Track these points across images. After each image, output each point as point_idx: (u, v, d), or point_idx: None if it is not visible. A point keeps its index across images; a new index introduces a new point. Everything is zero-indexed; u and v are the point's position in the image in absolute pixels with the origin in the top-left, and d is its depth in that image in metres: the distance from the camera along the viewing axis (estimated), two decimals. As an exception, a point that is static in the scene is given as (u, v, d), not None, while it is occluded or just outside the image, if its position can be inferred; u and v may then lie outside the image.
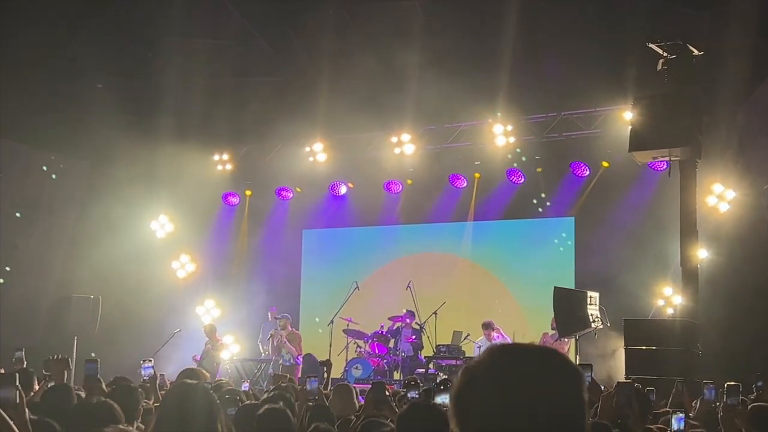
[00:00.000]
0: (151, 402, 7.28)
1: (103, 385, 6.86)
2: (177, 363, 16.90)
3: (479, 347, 16.28)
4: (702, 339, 13.63)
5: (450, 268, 19.12)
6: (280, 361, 16.94)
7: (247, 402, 6.47)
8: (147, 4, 16.07)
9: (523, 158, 18.11)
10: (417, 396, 6.56)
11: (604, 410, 5.50)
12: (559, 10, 15.58)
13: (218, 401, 5.06)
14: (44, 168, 19.56)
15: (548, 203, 18.21)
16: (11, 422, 4.00)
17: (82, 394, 6.55)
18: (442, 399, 5.41)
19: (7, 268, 18.37)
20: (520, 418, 2.02)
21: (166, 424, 4.53)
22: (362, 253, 20.11)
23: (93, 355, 7.58)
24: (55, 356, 6.95)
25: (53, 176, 19.77)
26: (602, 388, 6.96)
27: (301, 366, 16.96)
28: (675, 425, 5.65)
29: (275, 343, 17.27)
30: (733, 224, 15.42)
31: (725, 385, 5.86)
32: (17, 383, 4.19)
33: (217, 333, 17.56)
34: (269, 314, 18.39)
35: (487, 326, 16.26)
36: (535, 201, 18.31)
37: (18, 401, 4.15)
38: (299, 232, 20.97)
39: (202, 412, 4.81)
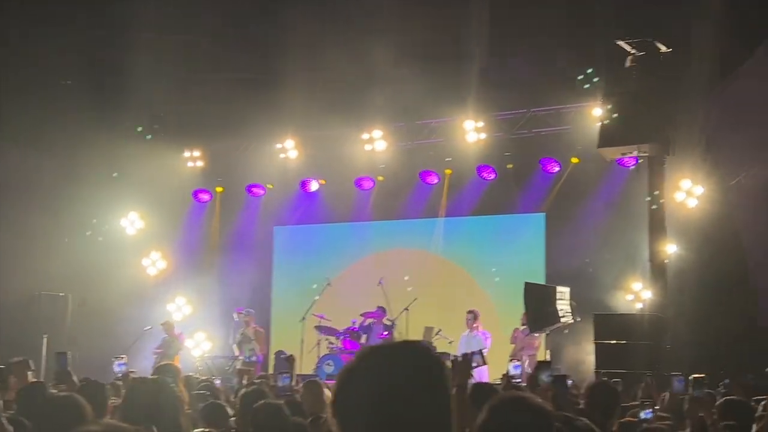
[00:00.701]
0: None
1: (75, 378, 6.86)
2: (148, 360, 16.89)
3: (450, 342, 16.38)
4: (670, 333, 13.79)
5: (421, 264, 19.16)
6: (241, 358, 16.92)
7: (213, 401, 6.47)
8: (117, 0, 16.01)
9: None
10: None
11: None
12: (528, 7, 15.68)
13: (181, 397, 5.09)
14: (12, 165, 19.39)
15: (519, 199, 18.29)
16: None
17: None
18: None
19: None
20: (389, 414, 2.12)
21: (128, 420, 4.54)
22: (334, 250, 20.11)
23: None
24: (15, 359, 6.89)
25: (21, 173, 19.62)
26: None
27: (261, 363, 16.97)
28: (642, 417, 5.76)
29: (237, 340, 17.23)
30: (701, 220, 15.57)
31: (691, 378, 5.95)
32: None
33: (175, 329, 17.50)
34: (234, 315, 18.27)
35: (474, 314, 16.31)
36: (506, 197, 18.39)
37: None
38: (271, 229, 20.92)
39: (165, 408, 4.83)
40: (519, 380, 6.49)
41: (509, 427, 3.31)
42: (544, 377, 5.64)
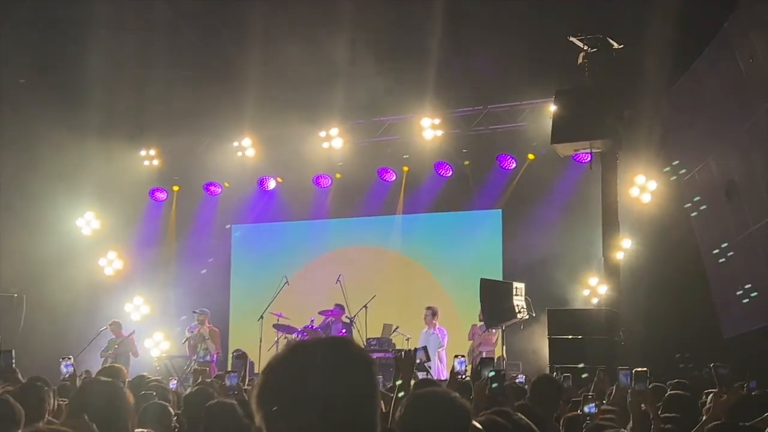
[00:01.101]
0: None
1: (20, 375, 6.78)
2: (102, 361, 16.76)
3: (407, 339, 16.40)
4: (624, 327, 13.89)
5: (380, 262, 19.18)
6: (194, 357, 16.82)
7: (154, 401, 6.41)
8: (70, -1, 15.85)
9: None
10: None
11: (478, 398, 5.59)
12: (484, 4, 15.71)
13: (131, 399, 5.03)
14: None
15: (476, 196, 18.36)
16: None
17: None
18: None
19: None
20: (312, 407, 2.13)
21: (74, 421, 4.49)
22: (292, 248, 20.05)
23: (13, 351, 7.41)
24: None
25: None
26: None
27: (215, 363, 16.87)
28: (586, 411, 5.81)
29: (192, 341, 17.12)
30: (655, 215, 15.72)
31: (633, 371, 5.99)
32: None
33: (123, 330, 17.34)
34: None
35: (433, 311, 16.33)
36: (463, 194, 18.45)
37: None
38: (228, 227, 20.85)
39: (109, 410, 4.78)
40: (463, 376, 6.50)
41: (423, 421, 3.33)
42: (485, 373, 5.66)
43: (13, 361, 6.84)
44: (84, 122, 17.54)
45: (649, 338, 14.35)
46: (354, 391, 2.19)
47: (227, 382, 7.38)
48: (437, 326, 16.31)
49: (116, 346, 16.79)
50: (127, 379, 8.46)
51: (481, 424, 3.76)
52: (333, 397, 2.15)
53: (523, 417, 4.43)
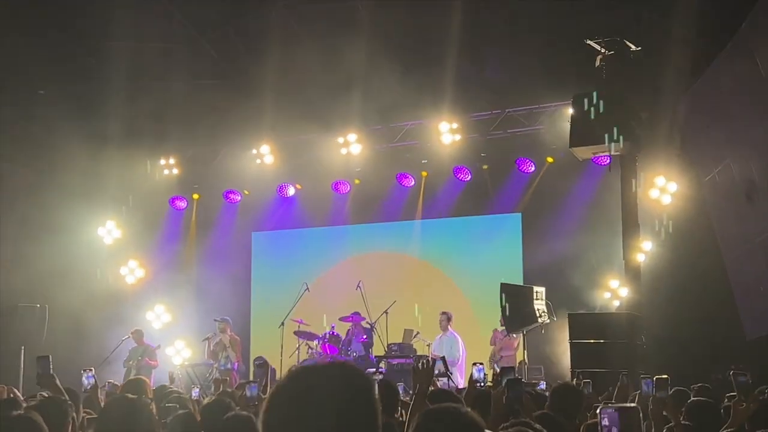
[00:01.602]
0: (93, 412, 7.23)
1: (58, 381, 6.82)
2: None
3: (428, 345, 16.39)
4: (646, 331, 13.82)
5: (399, 267, 19.19)
6: (216, 365, 16.88)
7: (181, 411, 6.43)
8: (90, 8, 15.89)
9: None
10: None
11: (496, 408, 5.57)
12: (501, 8, 15.68)
13: (156, 414, 5.05)
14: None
15: (495, 200, 18.33)
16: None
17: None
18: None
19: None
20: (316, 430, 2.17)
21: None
22: (312, 254, 20.10)
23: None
24: None
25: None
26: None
27: (236, 371, 16.95)
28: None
29: (212, 347, 17.20)
30: (675, 217, 15.63)
31: (654, 379, 5.97)
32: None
33: (147, 340, 17.45)
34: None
35: (447, 316, 16.33)
36: (482, 198, 18.43)
37: None
38: (248, 235, 20.93)
39: (135, 428, 4.79)
40: (482, 383, 6.48)
41: None
42: (504, 381, 5.64)
43: (51, 366, 6.88)
44: (103, 132, 17.66)
45: (671, 341, 14.28)
46: (355, 419, 2.24)
47: (248, 393, 7.39)
48: (450, 331, 16.28)
49: (140, 358, 16.86)
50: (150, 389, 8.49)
51: None
52: (334, 427, 2.19)
53: (538, 428, 4.41)
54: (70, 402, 5.75)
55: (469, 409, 3.30)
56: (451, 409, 3.30)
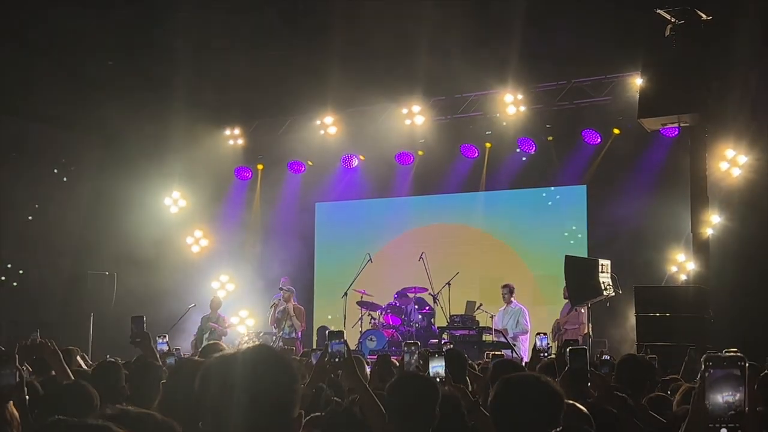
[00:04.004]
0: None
1: (150, 342, 6.91)
2: (192, 338, 17.14)
3: (491, 317, 16.36)
4: (713, 305, 13.62)
5: (462, 239, 19.16)
6: (279, 334, 17.05)
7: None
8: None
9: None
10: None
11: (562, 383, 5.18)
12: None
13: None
14: (56, 146, 19.67)
15: (560, 172, 18.15)
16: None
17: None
18: (435, 367, 5.36)
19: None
20: (240, 406, 2.43)
21: (171, 402, 4.52)
22: (375, 225, 20.15)
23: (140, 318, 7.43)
24: (25, 342, 5.80)
25: (65, 155, 19.92)
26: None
27: (300, 340, 17.12)
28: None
29: (276, 315, 17.38)
30: (745, 189, 15.31)
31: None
32: (17, 363, 4.20)
33: (220, 310, 17.69)
34: (281, 282, 18.34)
35: (510, 288, 16.27)
36: (546, 169, 18.26)
37: (18, 381, 4.17)
38: (312, 205, 21.03)
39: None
40: (546, 354, 6.40)
41: (515, 405, 3.30)
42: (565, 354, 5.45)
43: (144, 325, 6.98)
44: (169, 103, 17.83)
45: (739, 315, 14.04)
46: (275, 392, 2.49)
47: (313, 360, 7.44)
48: (514, 302, 16.20)
49: (213, 325, 17.12)
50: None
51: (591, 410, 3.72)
52: (256, 396, 2.45)
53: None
54: (163, 366, 5.85)
55: (549, 379, 3.28)
56: (531, 378, 3.29)
